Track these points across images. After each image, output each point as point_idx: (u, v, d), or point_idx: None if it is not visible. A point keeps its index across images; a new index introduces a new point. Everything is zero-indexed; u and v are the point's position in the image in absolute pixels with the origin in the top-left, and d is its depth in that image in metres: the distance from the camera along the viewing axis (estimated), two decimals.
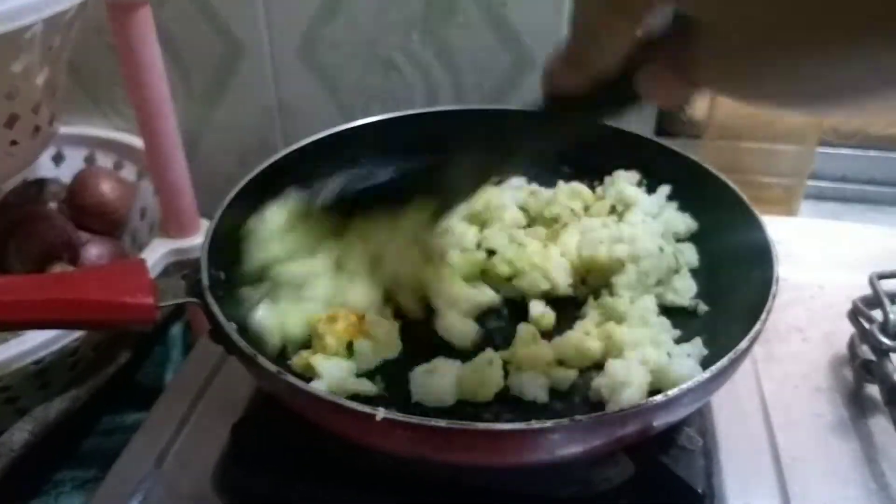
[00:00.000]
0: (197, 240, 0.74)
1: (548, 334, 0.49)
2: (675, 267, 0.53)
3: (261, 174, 0.58)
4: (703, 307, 0.52)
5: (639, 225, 0.55)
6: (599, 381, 0.45)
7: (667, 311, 0.51)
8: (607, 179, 0.61)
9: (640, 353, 0.46)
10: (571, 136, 0.42)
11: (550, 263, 0.52)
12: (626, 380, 0.43)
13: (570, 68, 0.34)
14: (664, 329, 0.49)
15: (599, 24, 0.31)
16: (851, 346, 0.57)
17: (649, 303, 0.50)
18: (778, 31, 0.25)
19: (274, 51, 0.78)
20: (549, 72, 0.34)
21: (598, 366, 0.47)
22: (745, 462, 0.49)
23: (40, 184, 0.80)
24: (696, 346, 0.47)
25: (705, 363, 0.45)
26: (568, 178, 0.64)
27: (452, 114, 0.68)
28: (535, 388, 0.45)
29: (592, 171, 0.64)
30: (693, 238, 0.57)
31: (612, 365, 0.45)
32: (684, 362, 0.45)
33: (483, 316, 0.52)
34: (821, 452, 0.50)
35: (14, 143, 0.62)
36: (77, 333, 0.62)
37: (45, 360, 0.61)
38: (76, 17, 0.60)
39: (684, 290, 0.52)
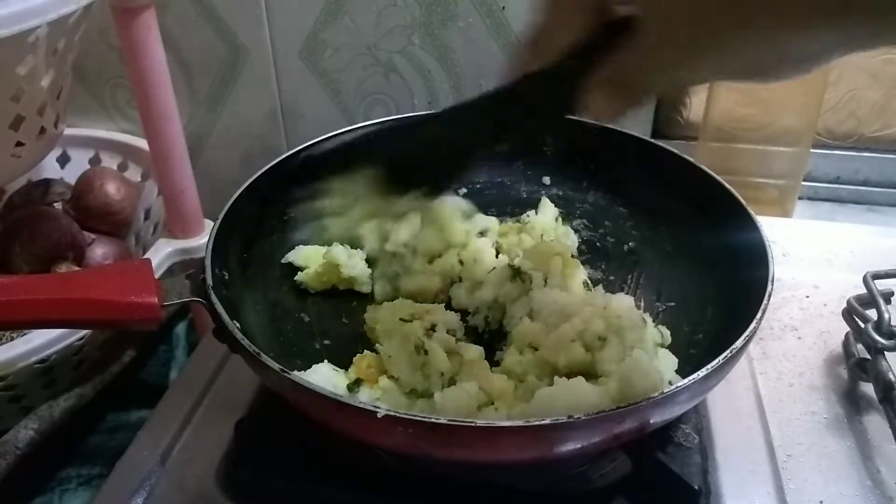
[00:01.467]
0: (201, 240, 0.74)
1: None
2: (658, 341, 0.51)
3: (264, 175, 0.59)
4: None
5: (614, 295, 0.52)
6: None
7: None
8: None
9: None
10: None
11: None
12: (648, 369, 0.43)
13: (528, 50, 0.37)
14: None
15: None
16: (846, 344, 0.57)
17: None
18: (712, 16, 0.29)
19: (276, 54, 0.79)
20: (516, 53, 0.38)
21: None
22: (742, 459, 0.49)
23: (46, 184, 0.80)
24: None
25: (701, 361, 0.46)
26: (550, 185, 0.65)
27: None
28: None
29: (585, 174, 0.65)
30: (690, 240, 0.58)
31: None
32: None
33: None
34: (816, 450, 0.50)
35: (19, 144, 0.62)
36: (82, 332, 0.62)
37: (50, 359, 0.61)
38: (81, 20, 0.60)
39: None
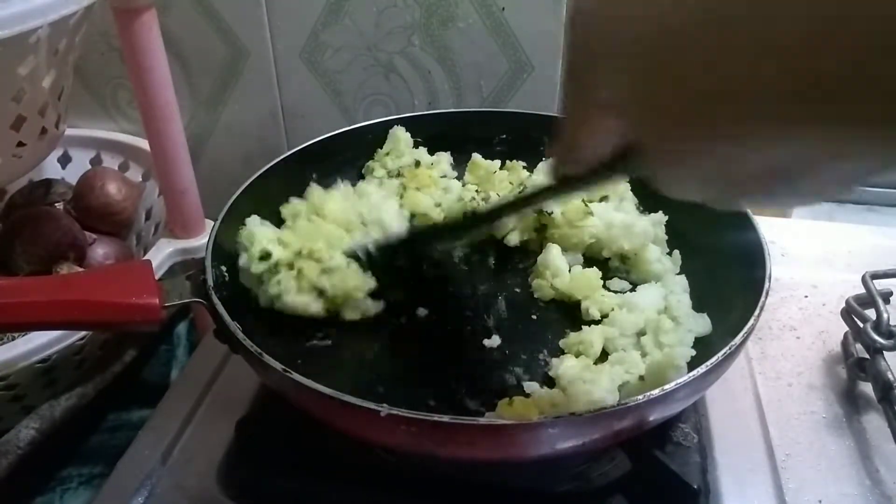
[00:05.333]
0: (202, 240, 0.74)
1: None
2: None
3: (265, 175, 0.59)
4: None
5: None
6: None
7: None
8: None
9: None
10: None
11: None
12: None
13: (564, 162, 0.37)
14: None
15: (577, 120, 0.33)
16: (845, 344, 0.57)
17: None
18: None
19: (277, 55, 0.79)
20: (552, 163, 0.37)
21: None
22: (740, 459, 0.49)
23: (47, 184, 0.80)
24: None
25: (699, 360, 0.46)
26: None
27: (452, 116, 0.69)
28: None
29: None
30: (688, 238, 0.58)
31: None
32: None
33: None
34: (815, 449, 0.50)
35: (21, 144, 0.62)
36: (83, 332, 0.63)
37: (51, 359, 0.61)
38: (82, 20, 0.60)
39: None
